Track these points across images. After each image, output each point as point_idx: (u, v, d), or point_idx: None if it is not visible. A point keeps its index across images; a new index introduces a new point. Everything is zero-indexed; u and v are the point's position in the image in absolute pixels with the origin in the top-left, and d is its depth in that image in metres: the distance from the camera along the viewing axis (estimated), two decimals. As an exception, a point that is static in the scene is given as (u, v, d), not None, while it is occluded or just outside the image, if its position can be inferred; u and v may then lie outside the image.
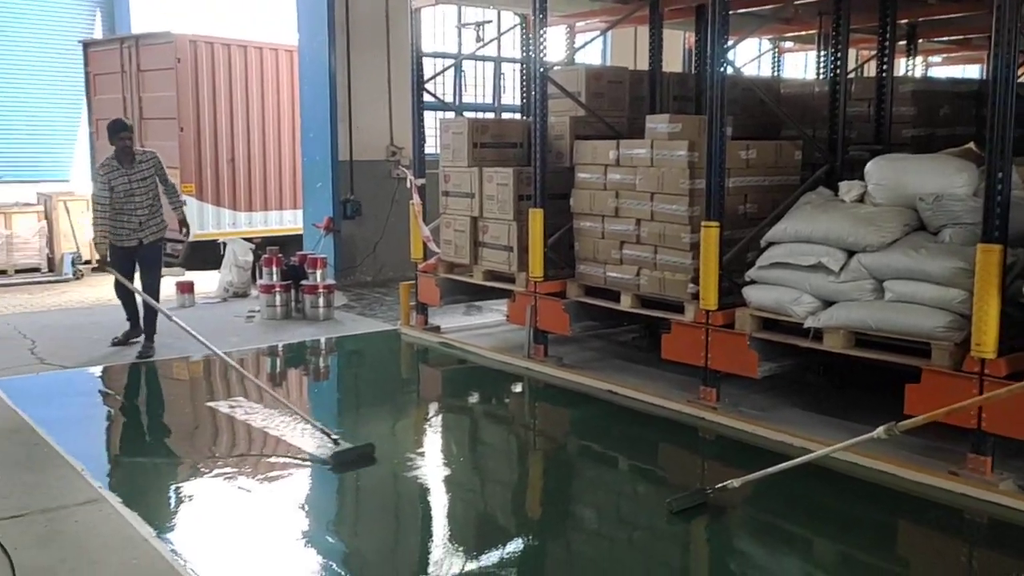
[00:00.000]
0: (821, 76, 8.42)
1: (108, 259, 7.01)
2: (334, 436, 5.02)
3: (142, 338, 7.32)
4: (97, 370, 6.83)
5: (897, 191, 5.21)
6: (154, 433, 5.63)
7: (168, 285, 10.62)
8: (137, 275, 7.32)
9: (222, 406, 5.86)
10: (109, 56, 12.25)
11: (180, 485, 4.62)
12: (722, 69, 5.46)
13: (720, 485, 4.34)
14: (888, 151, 6.21)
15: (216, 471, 4.74)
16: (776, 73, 10.49)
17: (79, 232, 13.57)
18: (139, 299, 7.18)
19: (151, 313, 7.20)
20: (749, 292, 5.49)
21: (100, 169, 7.08)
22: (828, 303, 5.12)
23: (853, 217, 5.12)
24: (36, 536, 3.82)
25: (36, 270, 13.57)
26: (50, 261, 13.81)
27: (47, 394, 6.23)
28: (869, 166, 5.37)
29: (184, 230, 7.75)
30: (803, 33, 9.06)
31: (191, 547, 3.83)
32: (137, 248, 7.17)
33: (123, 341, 7.41)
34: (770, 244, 5.44)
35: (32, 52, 15.62)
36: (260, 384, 6.02)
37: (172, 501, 4.44)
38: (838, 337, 5.04)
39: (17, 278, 13.23)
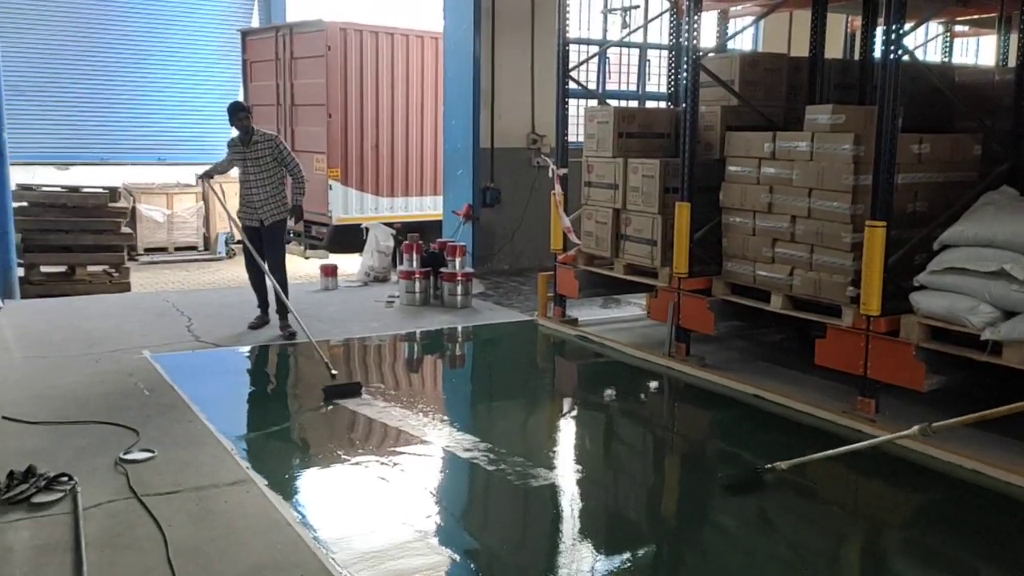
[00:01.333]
0: (1001, 63, 7.73)
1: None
2: (333, 372, 6.00)
3: (270, 320, 7.48)
4: (246, 350, 7.08)
5: (1096, 192, 4.68)
6: (298, 416, 5.75)
7: (312, 267, 10.99)
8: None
9: (364, 394, 5.93)
10: (265, 44, 12.74)
11: (322, 471, 4.69)
12: (896, 56, 5.05)
13: (769, 466, 4.56)
14: (1081, 146, 5.62)
15: (356, 458, 4.79)
16: (946, 59, 9.74)
17: (233, 213, 14.22)
18: (268, 283, 7.31)
19: (278, 293, 7.26)
20: (918, 298, 5.08)
21: (229, 142, 7.44)
22: (1010, 314, 4.67)
23: (1043, 220, 4.64)
24: (189, 514, 3.95)
25: (193, 248, 14.38)
26: (206, 240, 14.59)
27: (201, 371, 6.49)
28: (1063, 164, 4.86)
29: (292, 217, 7.50)
30: (980, 16, 8.35)
31: (333, 536, 3.86)
32: (260, 229, 7.34)
33: (257, 326, 7.57)
34: (945, 247, 5.01)
35: (193, 40, 16.48)
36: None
37: (315, 487, 4.51)
38: (1020, 351, 4.59)
39: (176, 255, 14.06)
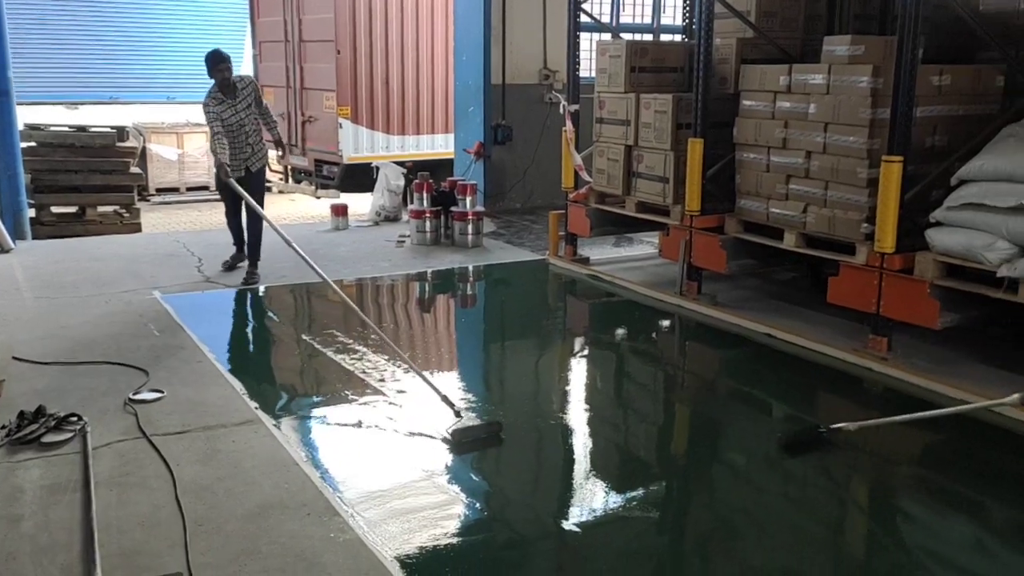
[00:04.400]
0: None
1: (226, 178, 6.83)
2: (456, 408, 4.45)
3: (246, 263, 7.31)
4: (256, 290, 7.06)
5: (1123, 124, 4.53)
6: (307, 357, 5.76)
7: (322, 207, 10.95)
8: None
9: (372, 335, 5.93)
10: (272, -22, 12.48)
11: (330, 411, 4.69)
12: (918, -17, 4.86)
13: (835, 426, 4.23)
14: (1108, 77, 5.42)
15: (364, 399, 4.80)
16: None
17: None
18: (244, 225, 7.19)
19: (255, 240, 7.16)
20: (933, 235, 4.97)
21: (209, 103, 6.92)
22: (1028, 251, 4.57)
23: (1066, 154, 4.50)
24: (197, 453, 3.97)
25: (205, 188, 14.31)
26: (217, 180, 14.49)
27: (211, 312, 6.51)
28: (1089, 95, 4.69)
29: (280, 150, 7.48)
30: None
31: (340, 475, 3.88)
32: (244, 176, 7.12)
33: (231, 265, 7.46)
34: (962, 182, 4.88)
35: (200, -24, 16.17)
36: (385, 338, 5.36)
37: (323, 427, 4.52)
38: (1038, 289, 4.50)
39: (188, 196, 14.01)
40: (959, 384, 4.83)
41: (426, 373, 4.87)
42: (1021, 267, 4.53)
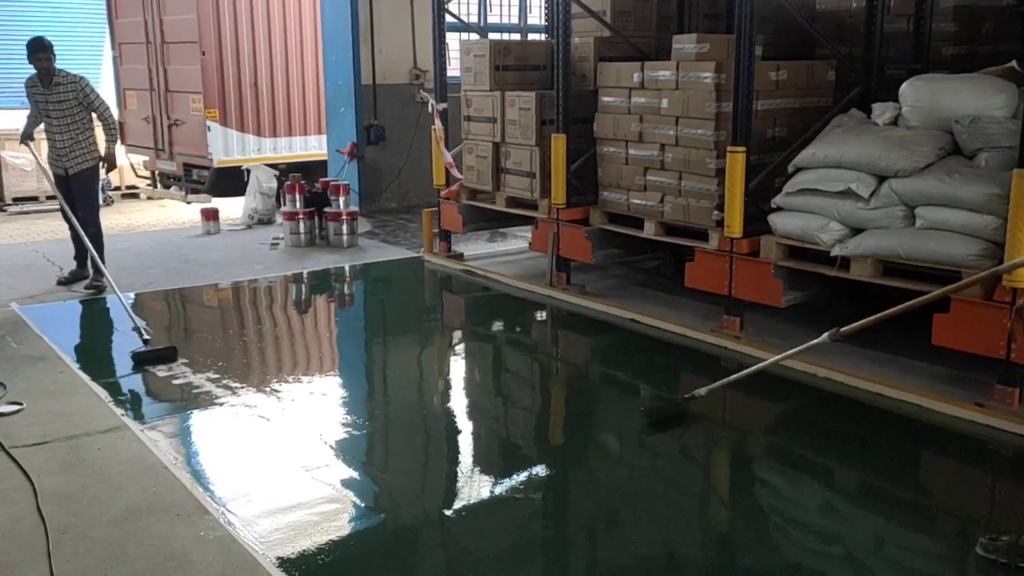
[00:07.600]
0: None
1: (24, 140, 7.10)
2: (146, 336, 5.46)
3: (91, 275, 7.00)
4: (121, 298, 6.85)
5: (932, 113, 4.99)
6: (178, 362, 5.67)
7: (193, 212, 10.69)
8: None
9: (244, 338, 5.89)
10: (129, -23, 12.05)
11: (202, 413, 4.65)
12: (752, -15, 5.21)
13: (689, 395, 4.56)
14: (926, 70, 5.95)
15: (238, 399, 4.78)
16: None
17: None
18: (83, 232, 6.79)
19: (95, 244, 6.80)
20: (775, 219, 5.34)
21: (27, 82, 6.95)
22: (857, 231, 4.97)
23: (885, 141, 4.92)
24: (59, 463, 3.89)
25: (66, 197, 13.63)
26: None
27: (73, 322, 6.32)
28: (904, 87, 5.14)
29: (105, 166, 7.15)
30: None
31: (211, 476, 3.88)
32: (65, 178, 6.93)
33: (69, 280, 7.10)
34: (798, 169, 5.26)
35: (53, -25, 15.43)
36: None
37: (193, 430, 4.49)
38: (866, 266, 4.91)
39: (48, 204, 13.33)
40: (804, 358, 5.17)
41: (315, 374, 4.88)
42: (851, 246, 4.93)
